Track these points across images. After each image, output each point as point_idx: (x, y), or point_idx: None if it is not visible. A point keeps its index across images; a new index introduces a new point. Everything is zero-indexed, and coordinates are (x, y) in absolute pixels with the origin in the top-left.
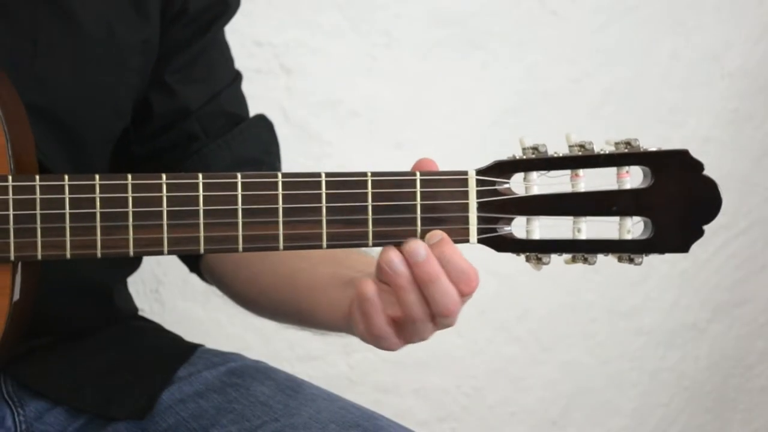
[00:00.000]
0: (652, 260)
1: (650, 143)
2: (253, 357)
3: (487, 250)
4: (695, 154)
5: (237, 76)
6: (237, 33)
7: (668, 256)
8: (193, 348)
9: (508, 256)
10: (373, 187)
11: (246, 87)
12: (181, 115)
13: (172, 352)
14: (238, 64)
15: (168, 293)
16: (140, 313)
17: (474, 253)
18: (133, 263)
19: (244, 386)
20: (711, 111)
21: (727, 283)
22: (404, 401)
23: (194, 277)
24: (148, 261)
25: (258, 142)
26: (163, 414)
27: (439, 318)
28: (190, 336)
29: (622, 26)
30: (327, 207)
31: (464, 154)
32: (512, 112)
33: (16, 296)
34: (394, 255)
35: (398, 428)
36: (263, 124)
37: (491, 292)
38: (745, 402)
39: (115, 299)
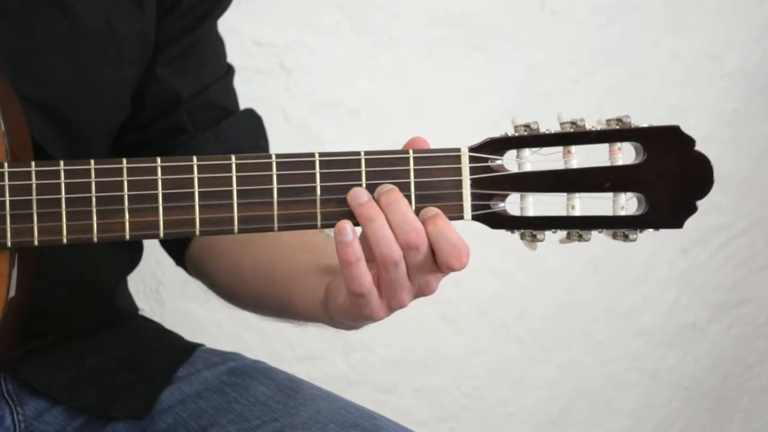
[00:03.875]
0: (652, 260)
1: None
2: (253, 357)
3: (487, 250)
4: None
5: (229, 71)
6: (237, 33)
7: (668, 255)
8: (193, 348)
9: (508, 256)
10: (366, 166)
11: (246, 87)
12: (171, 106)
13: (173, 351)
14: (238, 64)
15: (168, 293)
16: (140, 312)
17: (474, 253)
18: (134, 259)
19: (243, 386)
20: (711, 111)
21: (727, 283)
22: (404, 401)
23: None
24: (148, 261)
25: (246, 135)
26: (162, 414)
27: (407, 254)
28: (190, 336)
29: (622, 26)
30: (321, 187)
31: None
32: (512, 112)
33: (12, 292)
34: (358, 189)
35: (398, 428)
36: (252, 118)
37: (491, 292)
38: (745, 402)
39: (117, 299)
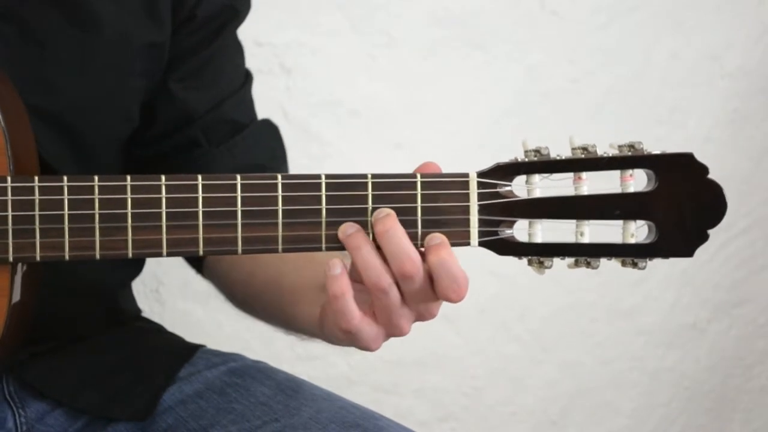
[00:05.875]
0: (654, 260)
1: (650, 143)
2: (254, 357)
3: (487, 252)
4: (695, 154)
5: (246, 80)
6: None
7: None
8: (194, 349)
9: (509, 256)
10: (373, 189)
11: None
12: (185, 121)
13: (174, 353)
14: None
15: (168, 293)
16: (141, 313)
17: (475, 253)
18: (138, 265)
19: (244, 386)
20: (711, 111)
21: (727, 283)
22: (404, 401)
23: (194, 278)
24: (148, 261)
25: (261, 148)
26: (163, 414)
27: (402, 282)
28: (190, 336)
29: (622, 26)
30: (327, 209)
31: (464, 154)
32: (512, 112)
33: (16, 297)
34: (346, 223)
35: (398, 428)
36: (267, 129)
37: (491, 292)
38: (745, 402)
39: (120, 302)
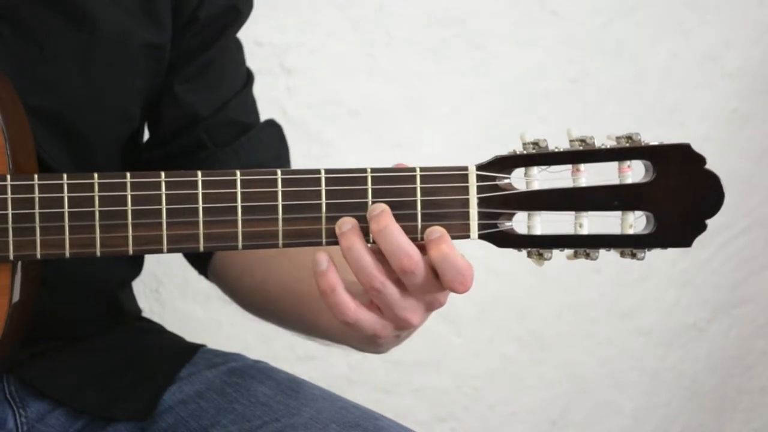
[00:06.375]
0: (653, 260)
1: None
2: (254, 357)
3: (488, 249)
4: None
5: (248, 79)
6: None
7: (669, 255)
8: (194, 349)
9: (509, 255)
10: (373, 183)
11: None
12: (190, 123)
13: (174, 353)
14: None
15: (168, 293)
16: (141, 313)
17: (475, 252)
18: (138, 265)
19: (244, 386)
20: (711, 111)
21: (727, 283)
22: (404, 401)
23: (194, 278)
24: (148, 260)
25: (266, 148)
26: (163, 414)
27: (404, 277)
28: (190, 336)
29: (622, 26)
30: (327, 204)
31: (464, 154)
32: (512, 112)
33: (17, 297)
34: (344, 218)
35: (398, 428)
36: (272, 129)
37: (491, 292)
38: (745, 402)
39: (120, 302)
